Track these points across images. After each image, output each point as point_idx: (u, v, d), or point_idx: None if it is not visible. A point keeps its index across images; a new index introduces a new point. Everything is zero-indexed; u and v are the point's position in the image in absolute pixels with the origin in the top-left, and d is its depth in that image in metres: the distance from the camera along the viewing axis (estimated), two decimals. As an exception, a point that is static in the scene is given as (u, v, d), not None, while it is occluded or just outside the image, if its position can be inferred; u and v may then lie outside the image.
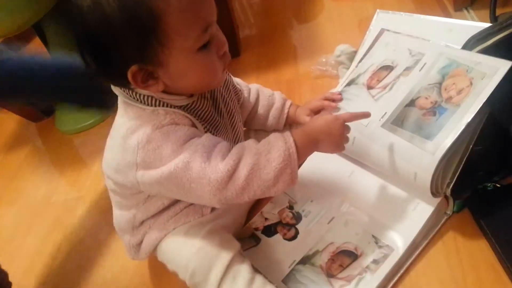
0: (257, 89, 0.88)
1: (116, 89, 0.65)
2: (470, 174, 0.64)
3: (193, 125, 0.64)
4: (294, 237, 0.74)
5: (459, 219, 0.68)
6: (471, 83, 0.66)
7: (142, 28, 0.53)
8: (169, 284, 0.77)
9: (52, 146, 1.32)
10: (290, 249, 0.72)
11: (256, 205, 0.84)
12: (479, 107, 0.63)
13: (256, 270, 0.67)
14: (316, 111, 0.83)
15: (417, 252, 0.66)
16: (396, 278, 0.64)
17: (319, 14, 1.37)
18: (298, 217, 0.77)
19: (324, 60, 1.08)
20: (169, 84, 0.61)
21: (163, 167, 0.59)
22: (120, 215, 0.75)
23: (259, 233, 0.77)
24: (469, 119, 0.63)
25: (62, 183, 1.14)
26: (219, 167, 0.57)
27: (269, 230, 0.77)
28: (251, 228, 0.79)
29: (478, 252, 0.64)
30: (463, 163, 0.63)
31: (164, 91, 0.62)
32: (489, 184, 0.69)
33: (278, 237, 0.75)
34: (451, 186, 0.64)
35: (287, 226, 0.76)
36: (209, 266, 0.63)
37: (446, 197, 0.67)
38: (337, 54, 1.00)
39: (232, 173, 0.57)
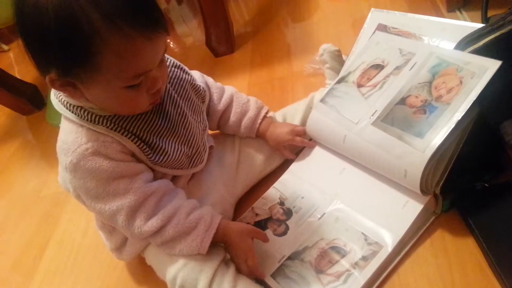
0: (232, 94, 0.85)
1: (52, 93, 0.65)
2: (459, 173, 0.65)
3: (123, 147, 0.63)
4: (284, 233, 0.74)
5: (447, 219, 0.69)
6: (461, 82, 0.67)
7: (72, 51, 0.52)
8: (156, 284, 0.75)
9: (42, 140, 1.31)
10: (280, 244, 0.72)
11: (246, 200, 0.84)
12: (469, 106, 0.63)
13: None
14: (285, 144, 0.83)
15: (406, 250, 0.66)
16: (384, 275, 0.64)
17: (314, 13, 1.37)
18: (288, 213, 0.77)
19: (317, 58, 1.08)
20: (89, 100, 0.60)
21: (89, 200, 0.64)
22: (97, 217, 0.76)
23: (246, 224, 0.77)
24: (459, 117, 0.63)
25: (52, 177, 1.13)
26: (142, 229, 0.63)
27: (260, 226, 0.77)
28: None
29: (466, 251, 0.64)
30: (452, 161, 0.63)
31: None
32: (477, 184, 0.69)
33: (268, 232, 0.75)
34: (440, 185, 0.64)
35: (278, 222, 0.76)
36: (195, 281, 0.63)
37: (435, 196, 0.67)
38: (320, 53, 0.99)
39: (152, 234, 0.64)
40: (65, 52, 0.52)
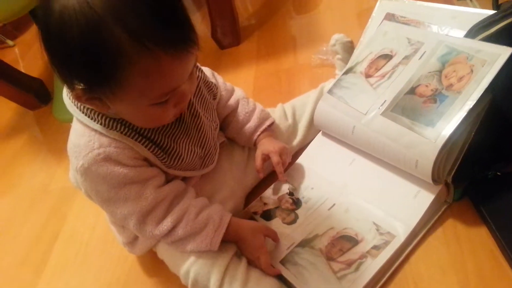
0: (238, 100, 0.82)
1: (65, 92, 0.63)
2: (471, 162, 0.64)
3: (135, 153, 0.63)
4: (293, 222, 0.74)
5: (459, 208, 0.69)
6: (471, 71, 0.66)
7: (97, 70, 0.50)
8: (168, 277, 0.75)
9: (49, 134, 1.31)
10: (289, 232, 0.72)
11: (255, 190, 0.84)
12: (481, 93, 0.63)
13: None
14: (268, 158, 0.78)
15: (417, 239, 0.66)
16: (396, 264, 0.64)
17: (320, 4, 1.36)
18: (298, 203, 0.77)
19: (324, 49, 1.08)
20: (116, 114, 0.60)
21: (101, 202, 0.65)
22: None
23: (257, 217, 0.77)
24: (471, 106, 0.63)
25: (59, 172, 1.14)
26: (153, 232, 0.64)
27: (268, 215, 0.77)
28: (249, 212, 0.79)
29: (478, 240, 0.64)
30: (464, 150, 0.63)
31: None
32: (489, 172, 0.69)
33: (277, 220, 0.75)
34: (452, 174, 0.64)
35: (287, 211, 0.76)
36: (208, 275, 0.64)
37: (446, 185, 0.67)
38: (332, 43, 0.98)
39: (163, 236, 0.65)
40: (90, 71, 0.50)
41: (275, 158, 0.76)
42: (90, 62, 0.49)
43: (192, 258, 0.65)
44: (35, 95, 1.40)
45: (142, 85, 0.52)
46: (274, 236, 0.70)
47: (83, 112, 0.61)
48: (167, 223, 0.64)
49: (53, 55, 0.52)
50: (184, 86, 0.57)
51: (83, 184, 0.64)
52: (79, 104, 0.61)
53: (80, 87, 0.53)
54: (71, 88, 0.54)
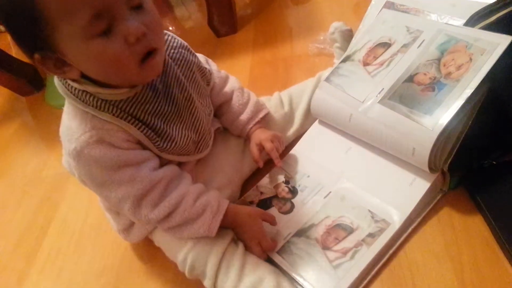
0: (232, 90, 0.82)
1: (55, 79, 0.62)
2: (468, 151, 0.64)
3: (128, 136, 0.62)
4: (289, 211, 0.74)
5: (454, 196, 0.69)
6: (470, 59, 0.66)
7: (26, 16, 0.50)
8: (162, 263, 0.75)
9: (42, 121, 1.30)
10: (285, 222, 0.72)
11: (251, 179, 0.83)
12: (478, 83, 0.62)
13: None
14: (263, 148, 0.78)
15: (413, 227, 0.66)
16: (391, 252, 0.64)
17: (316, -7, 1.35)
18: (294, 192, 0.76)
19: (322, 38, 1.07)
20: (83, 71, 0.57)
21: (95, 187, 0.64)
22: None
23: (254, 206, 0.77)
24: (468, 94, 0.62)
25: (52, 158, 1.13)
26: (149, 216, 0.63)
27: (265, 204, 0.76)
28: (245, 202, 0.78)
29: (473, 228, 0.64)
30: (461, 139, 0.63)
31: (99, 85, 0.58)
32: (485, 161, 0.69)
33: (273, 210, 0.75)
34: (448, 162, 0.64)
35: (283, 200, 0.76)
36: (205, 260, 0.64)
37: (443, 173, 0.67)
38: (331, 31, 0.97)
39: (158, 221, 0.64)
40: (20, 17, 0.51)
41: (268, 145, 0.77)
42: (20, 14, 0.50)
43: (189, 245, 0.65)
44: (27, 81, 1.38)
45: (62, 11, 0.50)
46: (271, 220, 0.69)
47: (74, 95, 0.60)
48: (164, 208, 0.63)
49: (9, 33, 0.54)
50: (124, 13, 0.52)
51: (76, 168, 0.63)
52: (70, 86, 0.60)
53: (37, 54, 0.53)
54: (30, 55, 0.54)
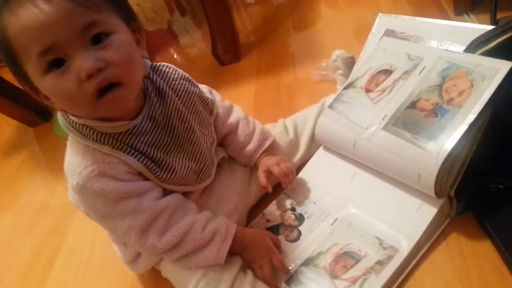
0: (238, 120, 0.82)
1: (58, 114, 0.64)
2: (474, 175, 0.64)
3: (129, 167, 0.62)
4: (296, 239, 0.73)
5: (462, 221, 0.68)
6: (472, 85, 0.67)
7: (8, 53, 0.53)
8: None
9: (49, 151, 1.31)
10: (292, 250, 0.72)
11: (257, 207, 0.83)
12: (481, 107, 0.63)
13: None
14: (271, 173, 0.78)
15: (421, 253, 0.66)
16: (400, 279, 0.64)
17: (318, 21, 1.38)
18: (300, 219, 0.76)
19: (324, 64, 1.09)
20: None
21: (99, 219, 0.65)
22: None
23: (261, 231, 0.77)
24: (471, 120, 0.63)
25: (59, 188, 1.13)
26: (156, 246, 0.63)
27: (271, 232, 0.76)
28: (252, 230, 0.78)
29: (483, 254, 0.64)
30: (466, 164, 0.63)
31: (98, 118, 0.60)
32: (491, 186, 0.69)
33: (280, 238, 0.74)
34: (455, 187, 0.64)
35: (290, 228, 0.75)
36: None
37: (449, 198, 0.67)
38: (333, 59, 0.99)
39: (166, 251, 0.64)
40: (6, 59, 0.54)
41: (275, 169, 0.77)
42: (4, 55, 0.54)
43: (198, 275, 0.65)
44: (35, 112, 1.40)
45: (19, 47, 0.52)
46: (278, 243, 0.69)
47: (75, 128, 0.61)
48: (172, 237, 0.63)
49: None
50: (77, 49, 0.52)
51: (81, 202, 0.64)
52: (71, 120, 0.61)
53: (26, 86, 0.57)
54: (24, 90, 0.58)
